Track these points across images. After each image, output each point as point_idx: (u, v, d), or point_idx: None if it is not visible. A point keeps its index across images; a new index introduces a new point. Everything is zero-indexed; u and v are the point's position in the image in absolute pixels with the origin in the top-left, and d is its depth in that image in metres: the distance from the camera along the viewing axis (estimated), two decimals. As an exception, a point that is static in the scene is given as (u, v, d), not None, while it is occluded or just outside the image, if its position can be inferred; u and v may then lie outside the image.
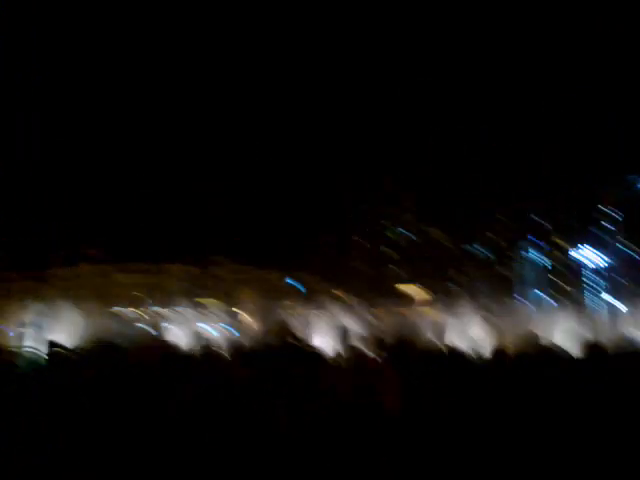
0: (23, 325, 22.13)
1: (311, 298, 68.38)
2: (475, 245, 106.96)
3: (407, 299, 79.40)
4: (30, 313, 26.54)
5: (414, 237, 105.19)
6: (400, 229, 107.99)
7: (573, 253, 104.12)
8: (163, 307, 68.19)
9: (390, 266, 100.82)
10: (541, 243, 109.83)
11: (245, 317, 64.34)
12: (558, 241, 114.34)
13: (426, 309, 71.00)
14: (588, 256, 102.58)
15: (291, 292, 75.28)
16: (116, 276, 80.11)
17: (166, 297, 69.71)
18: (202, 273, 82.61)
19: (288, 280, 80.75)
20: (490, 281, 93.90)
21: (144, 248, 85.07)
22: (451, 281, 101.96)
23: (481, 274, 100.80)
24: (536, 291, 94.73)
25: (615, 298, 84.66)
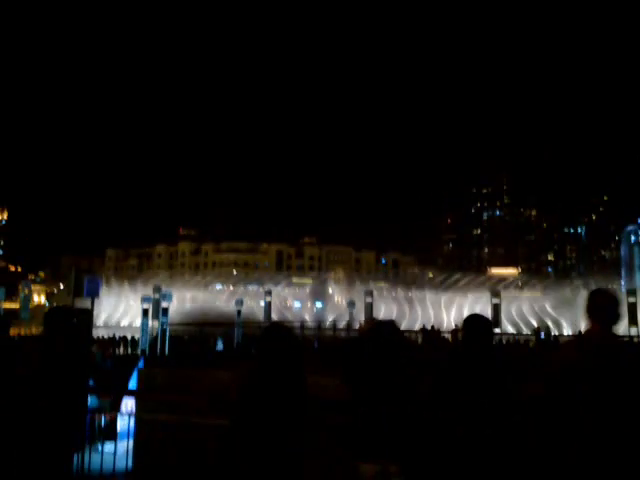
0: (148, 300, 22.90)
1: (405, 279, 67.68)
2: (580, 227, 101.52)
3: (502, 281, 76.79)
4: (149, 288, 27.70)
5: (513, 219, 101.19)
6: (498, 211, 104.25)
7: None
8: (259, 285, 69.46)
9: (486, 249, 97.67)
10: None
11: (338, 296, 64.57)
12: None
13: (523, 292, 68.54)
14: None
15: (385, 272, 74.58)
16: (210, 254, 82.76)
17: (262, 275, 71.10)
18: (297, 253, 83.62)
19: (383, 260, 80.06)
20: (594, 266, 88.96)
21: (240, 228, 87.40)
22: (551, 265, 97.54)
23: (585, 258, 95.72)
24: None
25: None
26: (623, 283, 78.36)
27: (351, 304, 33.22)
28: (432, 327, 27.50)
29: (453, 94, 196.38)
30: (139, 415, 7.35)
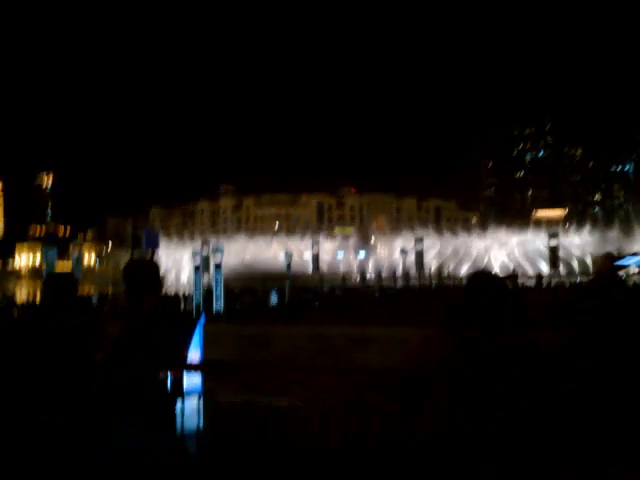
0: (198, 254, 22.83)
1: (444, 225, 66.93)
2: (627, 165, 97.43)
3: (548, 224, 75.20)
4: (197, 244, 27.76)
5: (557, 160, 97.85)
6: (541, 152, 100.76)
7: None
8: (301, 237, 69.49)
9: (531, 190, 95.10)
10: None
11: (380, 245, 64.33)
12: None
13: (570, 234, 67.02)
14: None
15: (426, 219, 73.70)
16: (251, 208, 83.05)
17: (303, 227, 71.25)
18: (338, 203, 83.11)
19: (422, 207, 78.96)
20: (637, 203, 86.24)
21: (279, 180, 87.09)
22: (598, 205, 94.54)
23: (633, 197, 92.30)
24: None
25: None
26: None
27: (403, 252, 32.53)
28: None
29: (489, 35, 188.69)
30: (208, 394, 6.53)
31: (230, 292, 26.05)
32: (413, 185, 77.28)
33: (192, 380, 6.28)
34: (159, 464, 3.42)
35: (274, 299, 22.71)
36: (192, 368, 6.59)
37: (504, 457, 2.34)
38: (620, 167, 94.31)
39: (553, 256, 25.06)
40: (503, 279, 2.62)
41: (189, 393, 6.20)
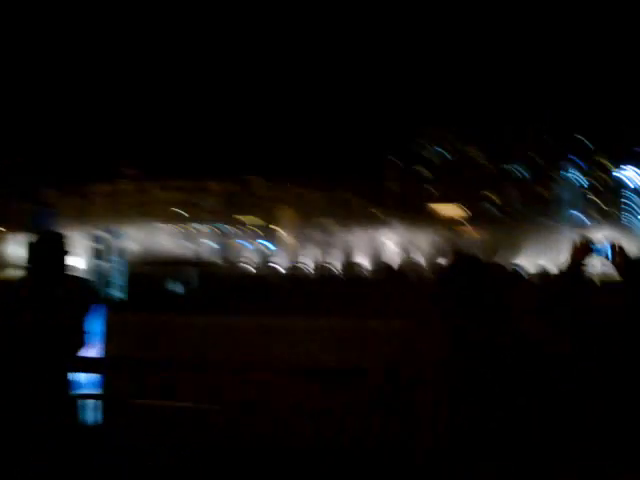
0: (100, 238, 21.85)
1: (350, 217, 68.17)
2: (514, 165, 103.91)
3: (444, 219, 78.77)
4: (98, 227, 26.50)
5: (451, 156, 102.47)
6: (437, 148, 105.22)
7: (616, 174, 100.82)
8: (202, 224, 68.44)
9: (426, 186, 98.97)
10: (582, 163, 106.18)
11: (284, 235, 64.57)
12: (601, 160, 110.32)
13: (464, 229, 70.46)
14: (632, 177, 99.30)
15: (330, 211, 74.51)
16: (154, 193, 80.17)
17: (205, 214, 70.12)
18: (240, 191, 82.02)
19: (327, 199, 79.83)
20: (528, 202, 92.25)
21: (182, 165, 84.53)
22: (488, 201, 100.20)
23: (519, 194, 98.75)
24: (574, 212, 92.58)
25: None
26: (558, 220, 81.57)
27: (309, 242, 33.00)
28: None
29: (411, 35, 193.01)
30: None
31: (132, 279, 25.10)
32: (324, 178, 77.72)
33: (91, 379, 5.64)
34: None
35: (179, 287, 22.23)
36: (91, 365, 5.80)
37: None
38: (513, 166, 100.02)
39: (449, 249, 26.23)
40: (484, 264, 2.54)
41: (88, 393, 5.59)
